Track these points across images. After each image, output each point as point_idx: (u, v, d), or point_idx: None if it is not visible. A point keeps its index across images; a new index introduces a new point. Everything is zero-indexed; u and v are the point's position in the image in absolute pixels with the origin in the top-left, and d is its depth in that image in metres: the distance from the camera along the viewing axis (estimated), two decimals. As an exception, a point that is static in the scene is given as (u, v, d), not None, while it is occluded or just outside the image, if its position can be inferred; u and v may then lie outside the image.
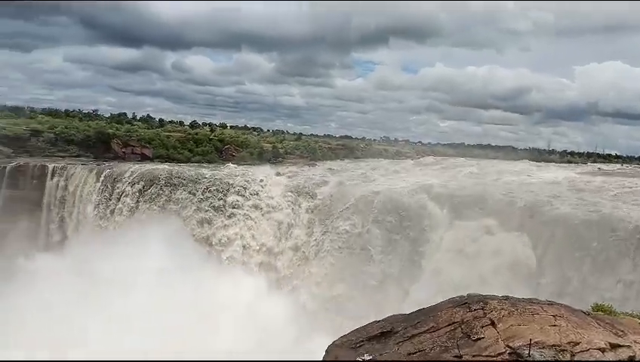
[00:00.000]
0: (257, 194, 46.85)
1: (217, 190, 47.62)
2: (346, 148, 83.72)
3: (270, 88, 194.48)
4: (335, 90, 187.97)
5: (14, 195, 52.30)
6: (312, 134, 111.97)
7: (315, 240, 42.14)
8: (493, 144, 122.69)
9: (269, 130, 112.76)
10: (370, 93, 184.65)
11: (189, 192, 47.91)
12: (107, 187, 50.27)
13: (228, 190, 47.40)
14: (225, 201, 46.81)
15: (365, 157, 78.43)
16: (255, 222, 45.39)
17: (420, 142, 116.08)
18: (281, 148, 74.39)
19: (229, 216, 46.01)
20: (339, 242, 40.60)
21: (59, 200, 51.99)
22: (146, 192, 48.90)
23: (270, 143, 77.47)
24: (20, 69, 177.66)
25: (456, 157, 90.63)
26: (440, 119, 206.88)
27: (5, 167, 53.18)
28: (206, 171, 52.30)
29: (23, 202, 52.09)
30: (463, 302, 9.26)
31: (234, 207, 46.30)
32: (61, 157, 58.79)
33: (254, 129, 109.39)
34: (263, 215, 45.59)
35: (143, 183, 49.39)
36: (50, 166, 53.59)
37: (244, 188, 47.40)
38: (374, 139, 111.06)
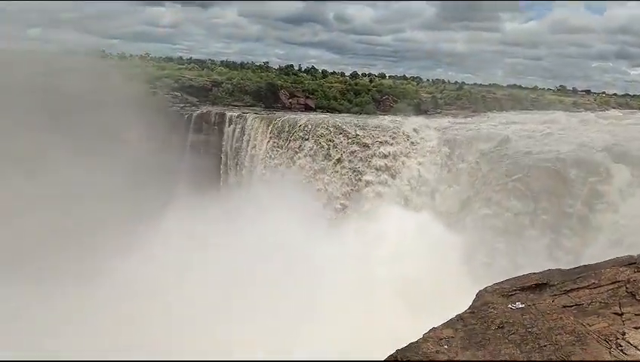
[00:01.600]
0: (411, 145, 46.98)
1: (371, 140, 48.84)
2: (513, 99, 77.05)
3: (431, 35, 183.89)
4: (503, 35, 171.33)
5: (199, 139, 60.12)
6: (475, 83, 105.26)
7: (475, 193, 40.73)
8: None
9: (428, 80, 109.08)
10: (545, 37, 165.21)
11: (345, 141, 49.76)
12: (274, 136, 54.61)
13: (381, 141, 48.29)
14: (377, 152, 48.00)
15: (536, 108, 71.14)
16: (409, 170, 45.79)
17: (603, 92, 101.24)
18: (441, 98, 71.87)
19: (380, 168, 47.14)
20: (501, 199, 38.47)
21: (235, 145, 58.12)
22: (305, 141, 51.99)
23: (429, 93, 75.25)
24: (200, 25, 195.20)
25: (650, 110, 78.72)
26: (630, 67, 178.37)
27: (192, 115, 61.05)
28: (361, 121, 53.63)
29: (206, 145, 59.72)
30: (632, 262, 8.54)
31: (386, 157, 47.22)
32: (237, 106, 64.96)
33: (413, 78, 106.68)
34: (418, 163, 45.75)
35: (303, 133, 52.57)
36: (228, 114, 59.90)
37: (395, 140, 47.83)
38: (548, 89, 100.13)
